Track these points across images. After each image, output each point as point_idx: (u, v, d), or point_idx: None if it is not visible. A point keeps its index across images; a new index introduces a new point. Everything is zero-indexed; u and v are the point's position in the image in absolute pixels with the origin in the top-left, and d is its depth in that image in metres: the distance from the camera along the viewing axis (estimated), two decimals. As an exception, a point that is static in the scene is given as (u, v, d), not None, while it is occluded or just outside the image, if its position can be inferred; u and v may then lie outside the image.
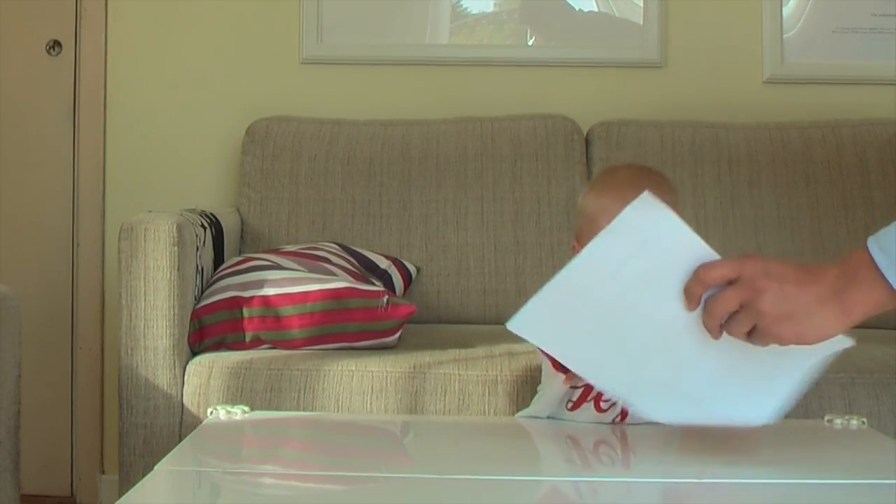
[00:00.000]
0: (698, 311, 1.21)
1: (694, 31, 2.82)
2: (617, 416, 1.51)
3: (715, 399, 1.26)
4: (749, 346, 1.21)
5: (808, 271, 1.18)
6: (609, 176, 1.63)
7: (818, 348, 1.22)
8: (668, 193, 1.51)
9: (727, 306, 1.19)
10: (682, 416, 1.27)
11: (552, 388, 1.54)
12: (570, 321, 1.25)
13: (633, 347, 1.25)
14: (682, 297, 1.21)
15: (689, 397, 1.26)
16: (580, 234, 1.55)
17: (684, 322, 1.22)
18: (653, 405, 1.27)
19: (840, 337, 1.22)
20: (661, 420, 1.27)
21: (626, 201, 1.49)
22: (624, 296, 1.22)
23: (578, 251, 1.48)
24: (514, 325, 1.25)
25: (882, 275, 1.15)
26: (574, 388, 1.51)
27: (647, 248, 1.21)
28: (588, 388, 1.51)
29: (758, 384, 1.25)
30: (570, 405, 1.52)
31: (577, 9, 2.84)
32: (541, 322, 1.25)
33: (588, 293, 1.23)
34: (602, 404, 1.51)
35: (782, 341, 1.19)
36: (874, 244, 1.17)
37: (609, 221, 1.43)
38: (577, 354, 1.28)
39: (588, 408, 1.51)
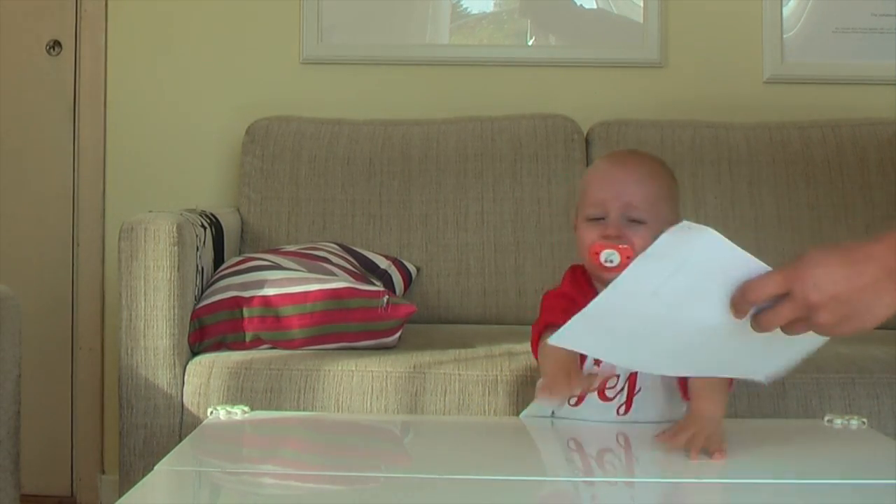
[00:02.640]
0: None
1: (694, 31, 2.82)
2: (622, 404, 1.51)
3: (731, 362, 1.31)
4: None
5: (857, 259, 1.18)
6: (606, 154, 1.69)
7: None
8: (664, 177, 1.55)
9: (780, 322, 1.20)
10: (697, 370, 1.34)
11: None
12: (611, 332, 1.27)
13: (668, 344, 1.28)
14: (726, 308, 1.22)
15: (709, 363, 1.31)
16: (577, 208, 1.57)
17: (726, 327, 1.24)
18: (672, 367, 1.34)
19: None
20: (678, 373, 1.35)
21: (612, 157, 1.58)
22: (667, 309, 1.24)
23: (577, 226, 1.51)
24: (555, 340, 1.28)
25: None
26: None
27: (688, 265, 1.22)
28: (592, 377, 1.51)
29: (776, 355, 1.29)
30: (573, 401, 1.52)
31: (577, 9, 2.84)
32: (581, 336, 1.28)
33: (628, 311, 1.24)
34: (607, 392, 1.51)
35: (845, 335, 1.21)
36: None
37: (597, 177, 1.52)
38: (614, 354, 1.33)
39: (592, 397, 1.51)
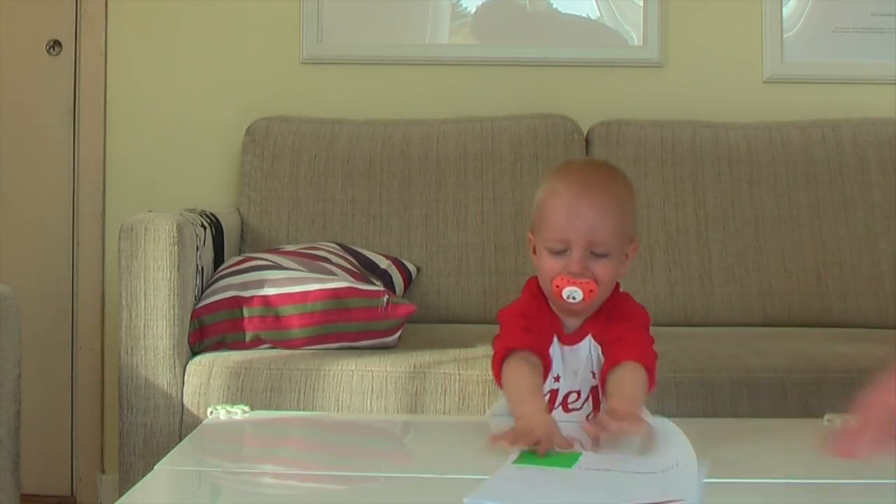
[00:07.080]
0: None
1: (694, 31, 2.82)
2: (590, 413, 1.51)
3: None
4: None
5: None
6: (563, 165, 1.61)
7: None
8: (625, 199, 1.50)
9: None
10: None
11: None
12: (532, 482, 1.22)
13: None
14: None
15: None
16: (533, 225, 1.52)
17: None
18: None
19: None
20: None
21: (573, 184, 1.47)
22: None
23: (533, 244, 1.48)
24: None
25: None
26: None
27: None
28: (553, 394, 1.51)
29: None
30: None
31: (577, 8, 2.84)
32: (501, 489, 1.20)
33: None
34: (570, 405, 1.53)
35: None
36: None
37: (560, 209, 1.44)
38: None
39: (556, 410, 1.52)
